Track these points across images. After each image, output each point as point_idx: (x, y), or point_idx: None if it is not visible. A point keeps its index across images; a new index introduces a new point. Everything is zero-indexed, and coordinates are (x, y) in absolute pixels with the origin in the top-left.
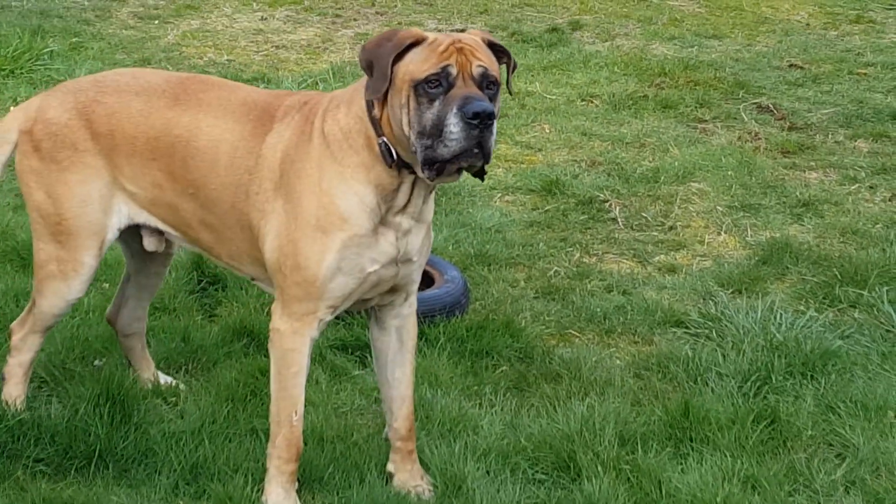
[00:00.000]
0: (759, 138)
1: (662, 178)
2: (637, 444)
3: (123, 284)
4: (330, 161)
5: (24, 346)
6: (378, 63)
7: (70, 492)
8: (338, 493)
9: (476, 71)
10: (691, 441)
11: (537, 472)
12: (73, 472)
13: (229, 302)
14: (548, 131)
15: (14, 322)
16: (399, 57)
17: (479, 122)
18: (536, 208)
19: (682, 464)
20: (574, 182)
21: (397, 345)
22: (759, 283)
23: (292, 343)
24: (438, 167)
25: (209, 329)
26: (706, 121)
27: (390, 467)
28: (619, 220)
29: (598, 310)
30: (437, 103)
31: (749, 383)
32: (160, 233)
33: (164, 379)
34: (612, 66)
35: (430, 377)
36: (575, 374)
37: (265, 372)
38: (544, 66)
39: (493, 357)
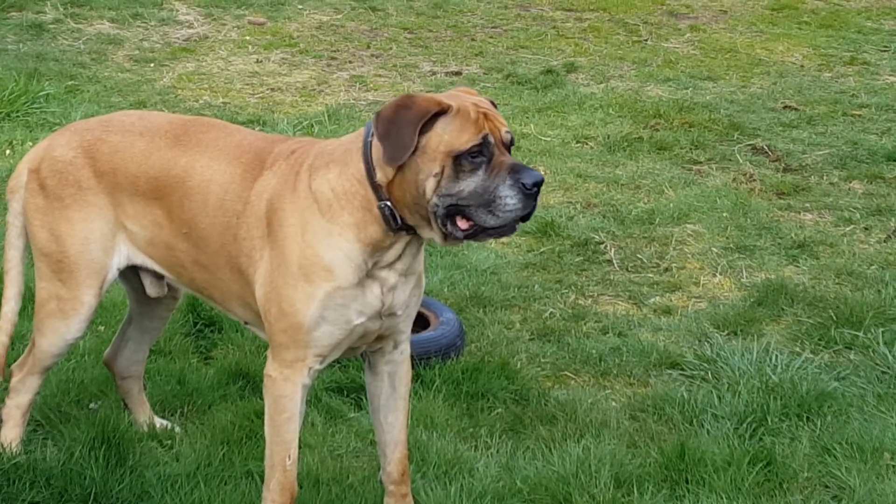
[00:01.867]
0: (754, 180)
1: (657, 219)
2: (633, 486)
3: (125, 326)
4: (316, 217)
5: (23, 388)
6: (400, 132)
7: None
8: None
9: (505, 137)
10: (687, 483)
11: None
12: None
13: (225, 344)
14: (543, 173)
15: (14, 364)
16: (426, 125)
17: (537, 192)
18: (532, 250)
19: None
20: (569, 224)
21: (389, 390)
22: (754, 325)
23: (283, 390)
24: (474, 232)
25: (205, 371)
26: (701, 162)
27: None
28: (614, 261)
29: (594, 351)
30: (479, 172)
31: (745, 425)
32: (160, 277)
33: (159, 422)
34: (607, 108)
35: (426, 419)
36: (570, 416)
37: (260, 414)
38: (539, 107)
39: (488, 399)
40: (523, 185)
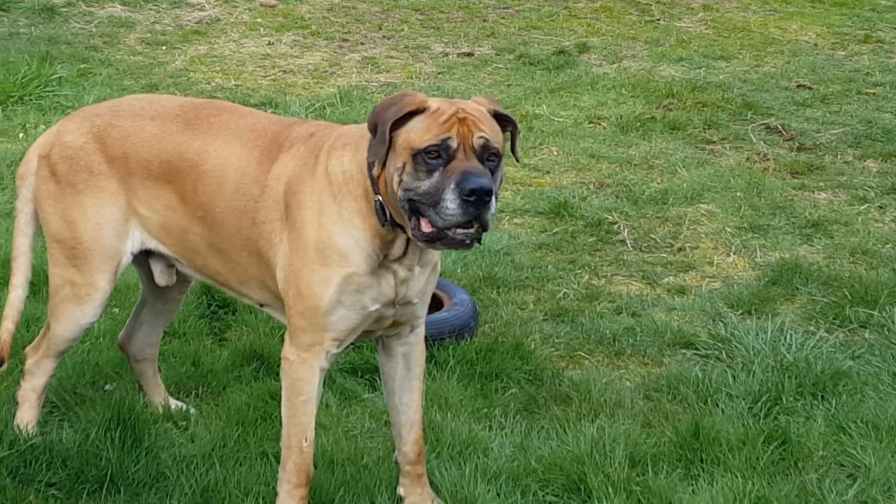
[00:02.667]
0: (768, 159)
1: (671, 199)
2: (647, 465)
3: (138, 309)
4: (330, 199)
5: (38, 371)
6: (381, 128)
7: None
8: None
9: (477, 143)
10: (702, 462)
11: (548, 493)
12: (84, 496)
13: (239, 326)
14: (556, 154)
15: (28, 347)
16: (402, 122)
17: (476, 199)
18: (545, 231)
19: (692, 485)
20: (582, 204)
21: (404, 371)
22: (768, 304)
23: (301, 372)
24: (431, 235)
25: (219, 353)
26: (714, 142)
27: (401, 491)
28: (627, 241)
29: (608, 332)
30: (435, 174)
31: (759, 404)
32: (170, 265)
33: (174, 403)
34: (620, 89)
35: (440, 400)
36: (585, 396)
37: (275, 396)
38: (551, 88)
39: (502, 379)
40: (461, 189)
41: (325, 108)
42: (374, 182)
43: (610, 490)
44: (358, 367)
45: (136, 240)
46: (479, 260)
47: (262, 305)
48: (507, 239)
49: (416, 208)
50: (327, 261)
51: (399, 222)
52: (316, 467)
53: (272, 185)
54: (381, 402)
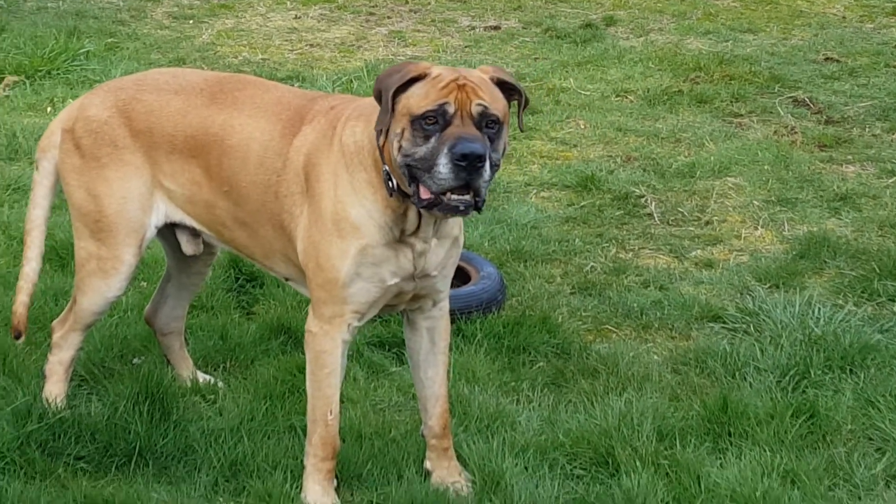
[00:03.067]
0: (796, 132)
1: (698, 172)
2: (675, 438)
3: (164, 283)
4: (343, 170)
5: (65, 344)
6: (384, 95)
7: (110, 489)
8: (376, 490)
9: (475, 109)
10: (730, 436)
11: (575, 467)
12: (113, 469)
13: (266, 300)
14: (583, 127)
15: (55, 320)
16: (403, 89)
17: (468, 164)
18: (572, 204)
19: (720, 458)
20: (609, 178)
21: (429, 345)
22: (796, 278)
23: (323, 345)
24: (429, 202)
25: (247, 327)
26: (742, 115)
27: (427, 465)
28: (654, 215)
29: (635, 305)
30: (432, 140)
31: (787, 378)
32: (196, 235)
33: (202, 377)
34: (647, 62)
35: (468, 373)
36: (612, 370)
37: (302, 369)
38: (578, 61)
39: (529, 353)
40: (452, 154)
41: (351, 81)
42: (382, 151)
43: (638, 464)
44: (385, 341)
45: (160, 213)
46: (506, 233)
47: (286, 279)
48: (534, 212)
49: (414, 174)
50: (343, 233)
51: (405, 191)
52: (343, 441)
53: (293, 157)
54: (409, 375)
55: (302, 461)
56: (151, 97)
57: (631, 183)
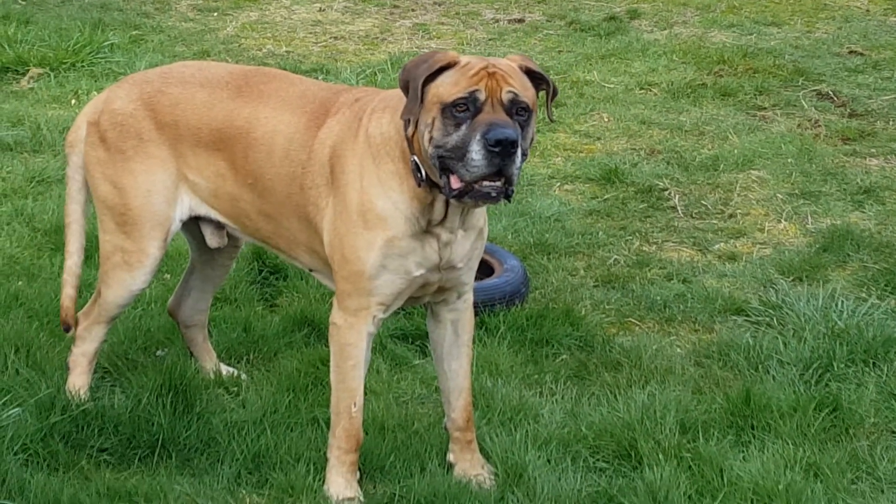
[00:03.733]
0: (819, 125)
1: (722, 166)
2: (698, 431)
3: (187, 276)
4: (370, 162)
5: (89, 337)
6: (412, 84)
7: (133, 481)
8: (399, 482)
9: (506, 97)
10: (753, 429)
11: (598, 460)
12: (136, 461)
13: (290, 292)
14: (606, 120)
15: (79, 312)
16: (432, 78)
17: (501, 150)
18: (595, 197)
19: (743, 451)
20: (633, 171)
21: (453, 337)
22: (819, 271)
23: (348, 337)
24: (459, 190)
25: (270, 319)
26: (765, 108)
27: (450, 457)
28: (678, 208)
29: (658, 298)
30: (463, 127)
31: (810, 371)
32: (221, 227)
33: (225, 369)
34: (671, 55)
35: (491, 366)
36: (635, 363)
37: (326, 361)
38: (602, 54)
39: (553, 346)
40: (486, 140)
41: (375, 74)
42: (410, 142)
43: (660, 457)
44: (409, 334)
45: (185, 206)
46: (529, 226)
47: (311, 270)
48: (557, 205)
49: (445, 165)
50: (369, 224)
51: (435, 181)
52: (366, 433)
53: (318, 149)
54: (432, 368)
55: (325, 453)
56: (177, 90)
57: (654, 176)
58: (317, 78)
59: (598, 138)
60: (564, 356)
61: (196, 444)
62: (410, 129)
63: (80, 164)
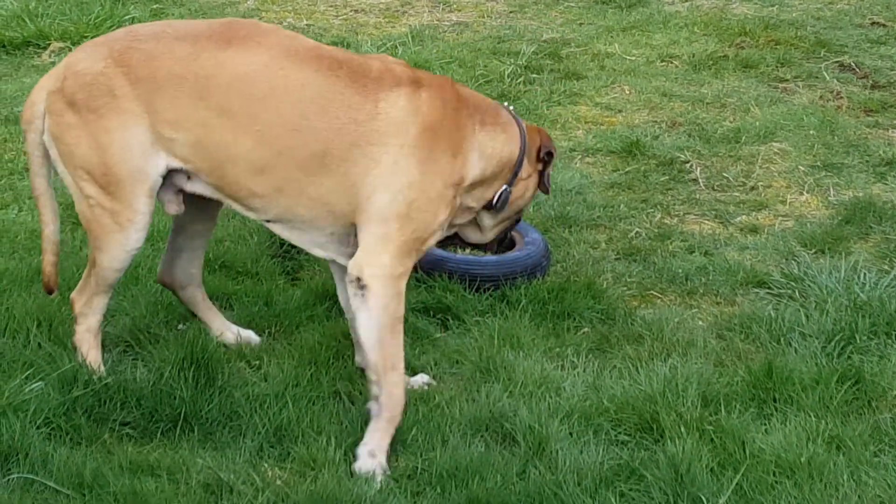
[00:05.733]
0: (842, 97)
1: (743, 138)
2: (720, 404)
3: (173, 238)
4: (476, 158)
5: (90, 311)
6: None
7: (156, 454)
8: (421, 456)
9: None
10: (775, 401)
11: (620, 433)
12: (158, 435)
13: (311, 266)
14: (627, 93)
15: (72, 294)
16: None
17: None
18: (617, 170)
19: (765, 424)
20: (654, 143)
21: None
22: (842, 243)
23: (402, 286)
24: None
25: (292, 293)
26: (787, 80)
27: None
28: (700, 180)
29: (680, 271)
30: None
31: (833, 343)
32: (179, 193)
33: (234, 329)
34: (692, 27)
35: (512, 339)
36: (657, 336)
37: (347, 335)
38: (623, 27)
39: (574, 319)
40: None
41: (396, 47)
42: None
43: (682, 429)
44: (430, 307)
45: (161, 161)
46: (551, 199)
47: (268, 222)
48: (578, 178)
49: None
50: (449, 203)
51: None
52: None
53: (394, 115)
54: (454, 341)
55: (347, 426)
56: (150, 45)
57: (676, 148)
58: None
59: (620, 111)
60: (586, 329)
61: (218, 417)
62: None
63: (38, 140)
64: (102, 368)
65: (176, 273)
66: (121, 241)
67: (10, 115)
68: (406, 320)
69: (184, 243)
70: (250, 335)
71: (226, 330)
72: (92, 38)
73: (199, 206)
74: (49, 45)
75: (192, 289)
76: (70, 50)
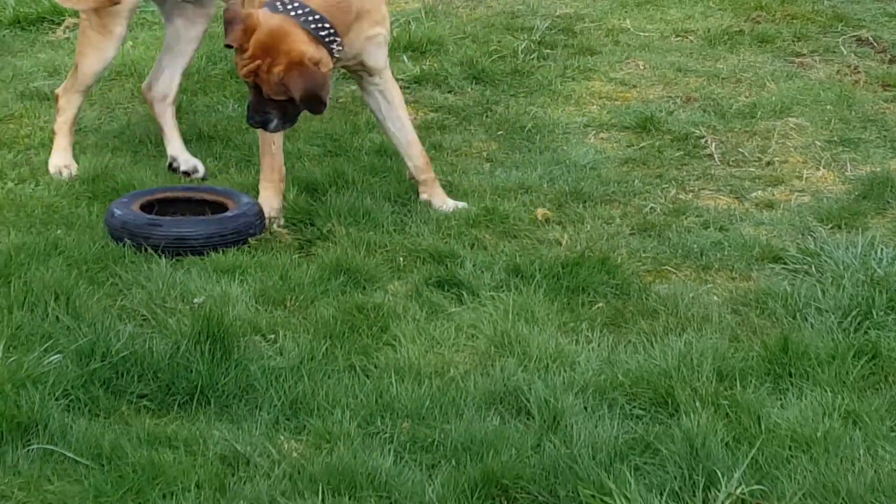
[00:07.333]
0: (859, 72)
1: (759, 113)
2: (735, 379)
3: (160, 58)
4: None
5: (69, 106)
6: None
7: (173, 426)
8: (436, 429)
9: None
10: (790, 376)
11: (635, 407)
12: (175, 407)
13: (325, 241)
14: (642, 68)
15: (57, 90)
16: None
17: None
18: (631, 145)
19: (781, 399)
20: (669, 118)
21: (385, 103)
22: (858, 219)
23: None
24: None
25: (306, 267)
26: (804, 55)
27: (424, 196)
28: (715, 156)
29: (695, 246)
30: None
31: (849, 319)
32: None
33: (189, 159)
34: (707, 1)
35: (527, 313)
36: (672, 310)
37: (362, 309)
38: (637, 2)
39: (589, 293)
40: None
41: (409, 22)
42: None
43: (697, 404)
44: (444, 281)
45: None
46: (565, 174)
47: None
48: (593, 153)
49: None
50: None
51: None
52: (402, 380)
53: None
54: (468, 315)
55: (363, 400)
56: None
57: (691, 124)
58: None
59: (634, 86)
60: (600, 304)
61: (234, 390)
62: None
63: None
64: (71, 159)
65: (156, 88)
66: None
67: (27, 90)
68: (420, 294)
69: (167, 63)
70: (198, 165)
71: (179, 155)
72: None
73: (184, 29)
74: (63, 20)
75: (166, 105)
76: None
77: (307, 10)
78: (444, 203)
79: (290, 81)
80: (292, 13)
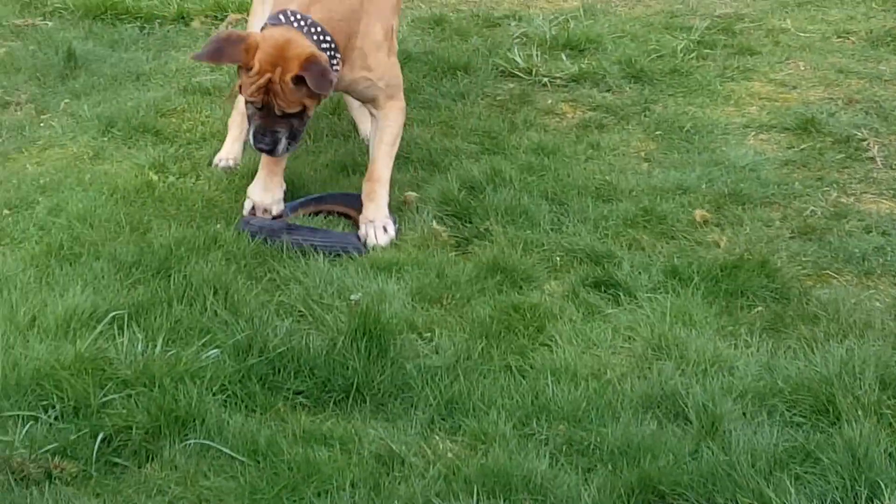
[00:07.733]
0: None
1: None
2: None
3: None
4: None
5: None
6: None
7: (329, 424)
8: (592, 432)
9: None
10: None
11: (795, 414)
12: (331, 405)
13: (482, 240)
14: (802, 69)
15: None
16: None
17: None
18: (791, 147)
19: None
20: (830, 120)
21: (376, 129)
22: None
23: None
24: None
25: (463, 266)
26: None
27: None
28: (877, 159)
29: (857, 250)
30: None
31: None
32: None
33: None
34: (870, 2)
35: (685, 317)
36: (833, 316)
37: (518, 309)
38: (798, 2)
39: (748, 297)
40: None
41: (568, 21)
42: None
43: (860, 413)
44: (601, 282)
45: None
46: (724, 175)
47: None
48: (752, 155)
49: None
50: None
51: None
52: (559, 382)
53: None
54: (625, 317)
55: (518, 401)
56: None
57: (852, 126)
58: (509, 25)
59: (794, 87)
60: (760, 308)
61: (390, 388)
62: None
63: None
64: (238, 156)
65: None
66: None
67: (189, 85)
68: (577, 295)
69: None
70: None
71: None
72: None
73: None
74: (227, 16)
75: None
76: (245, 22)
77: (310, 21)
78: (378, 239)
79: (307, 74)
80: (295, 25)
